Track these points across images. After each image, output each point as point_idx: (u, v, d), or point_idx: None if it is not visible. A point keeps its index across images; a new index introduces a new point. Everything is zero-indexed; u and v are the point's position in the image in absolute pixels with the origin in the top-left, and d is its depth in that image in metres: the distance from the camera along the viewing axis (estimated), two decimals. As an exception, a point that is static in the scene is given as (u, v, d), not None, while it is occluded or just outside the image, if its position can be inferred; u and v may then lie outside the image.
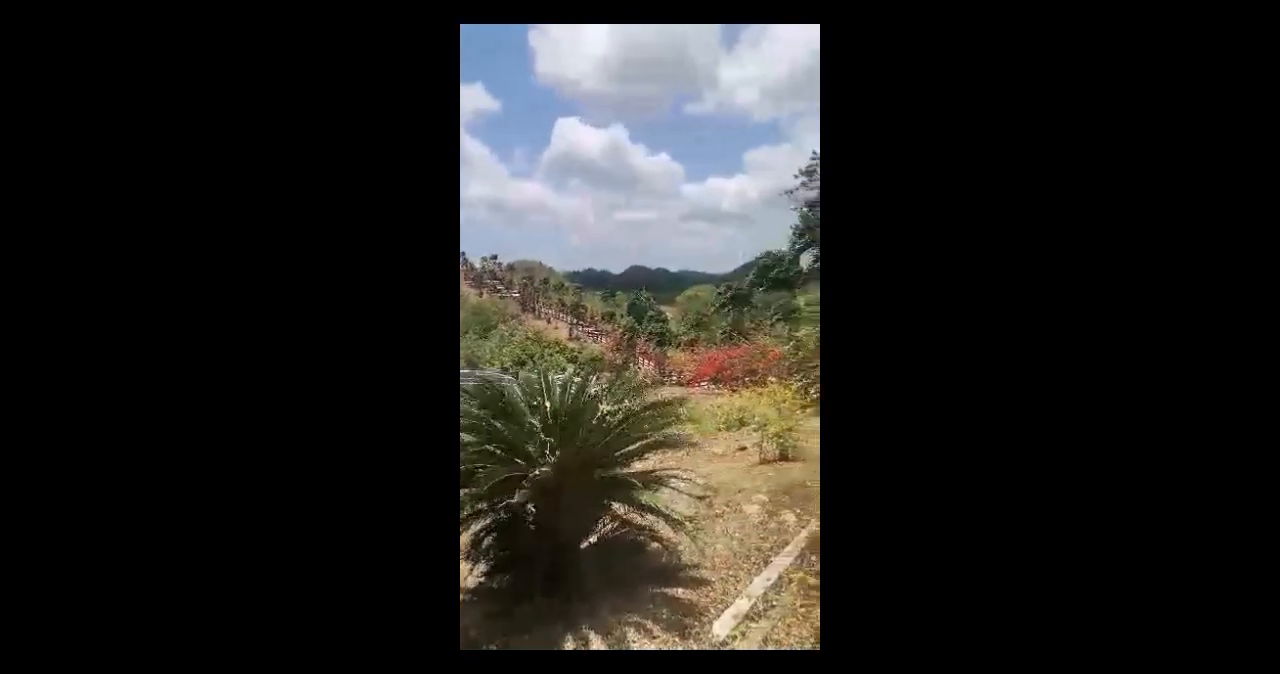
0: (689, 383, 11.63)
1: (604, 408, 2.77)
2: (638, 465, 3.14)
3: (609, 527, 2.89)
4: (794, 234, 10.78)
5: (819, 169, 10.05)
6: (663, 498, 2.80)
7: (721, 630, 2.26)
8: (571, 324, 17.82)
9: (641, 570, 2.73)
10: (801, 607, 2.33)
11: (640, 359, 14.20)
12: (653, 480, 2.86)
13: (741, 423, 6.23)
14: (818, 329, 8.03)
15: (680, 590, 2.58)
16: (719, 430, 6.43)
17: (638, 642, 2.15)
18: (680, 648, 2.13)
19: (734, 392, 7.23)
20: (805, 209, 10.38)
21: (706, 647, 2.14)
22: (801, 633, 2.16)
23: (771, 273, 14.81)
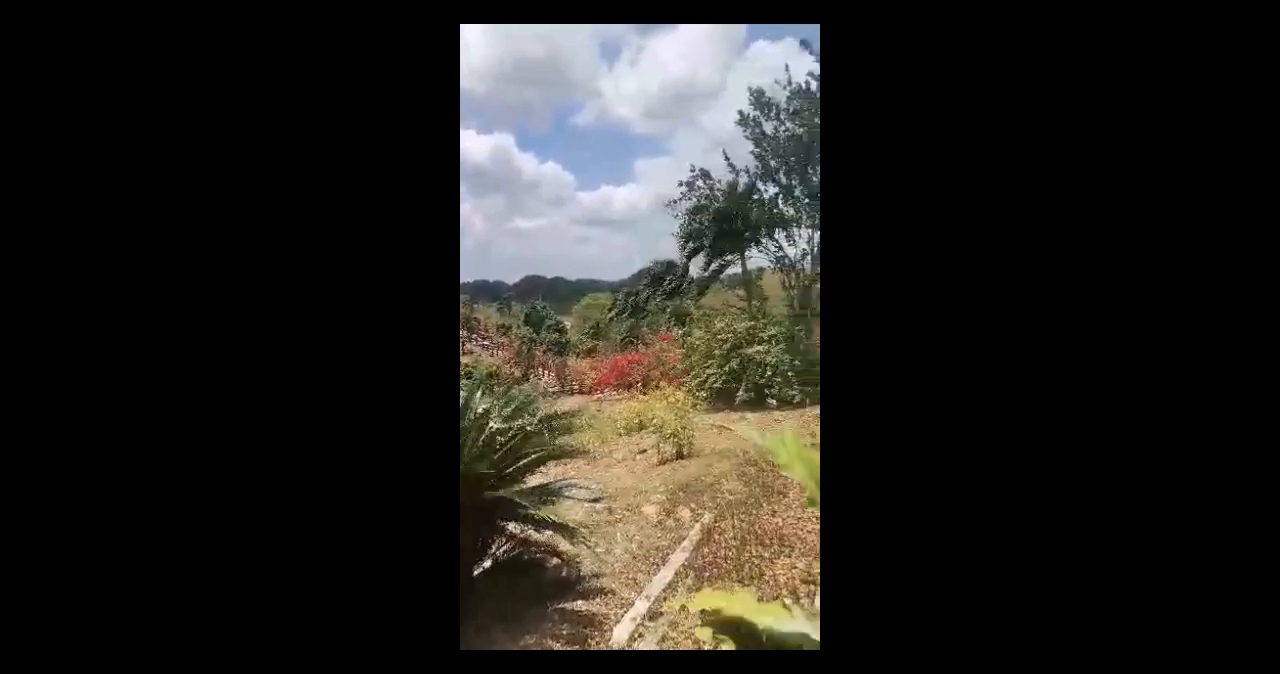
0: (590, 391, 11.63)
1: (494, 425, 2.68)
2: (534, 480, 3.08)
3: (503, 549, 2.79)
4: (679, 241, 11.28)
5: (697, 181, 10.65)
6: (560, 510, 2.77)
7: (622, 634, 2.29)
8: (464, 338, 16.92)
9: (540, 589, 2.67)
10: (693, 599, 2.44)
11: (539, 370, 13.91)
12: (549, 495, 2.82)
13: (640, 427, 6.37)
14: (708, 332, 8.50)
15: (580, 603, 2.57)
16: (619, 436, 6.51)
17: (537, 662, 2.10)
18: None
19: (634, 397, 7.37)
20: (688, 217, 10.91)
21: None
22: (691, 624, 2.25)
23: (665, 280, 15.38)
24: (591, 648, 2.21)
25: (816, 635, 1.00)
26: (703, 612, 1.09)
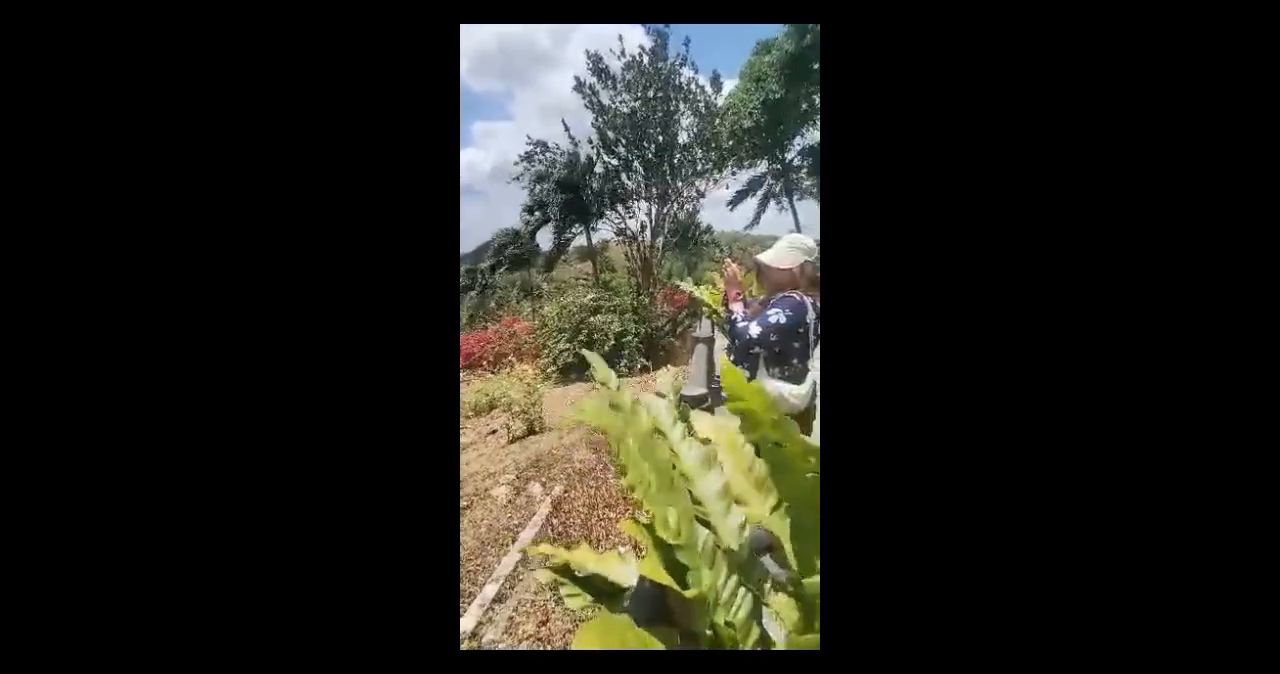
0: (435, 374, 10.76)
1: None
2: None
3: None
4: (524, 211, 10.86)
5: (536, 153, 10.27)
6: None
7: (469, 623, 2.21)
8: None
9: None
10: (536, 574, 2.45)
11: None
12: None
13: (491, 407, 6.13)
14: (558, 306, 8.43)
15: (422, 599, 2.41)
16: (467, 417, 6.18)
17: None
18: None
19: (482, 378, 7.02)
20: (534, 185, 10.52)
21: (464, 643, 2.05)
22: (543, 598, 2.27)
23: (508, 251, 14.73)
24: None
25: (634, 581, 1.07)
26: (545, 557, 1.13)
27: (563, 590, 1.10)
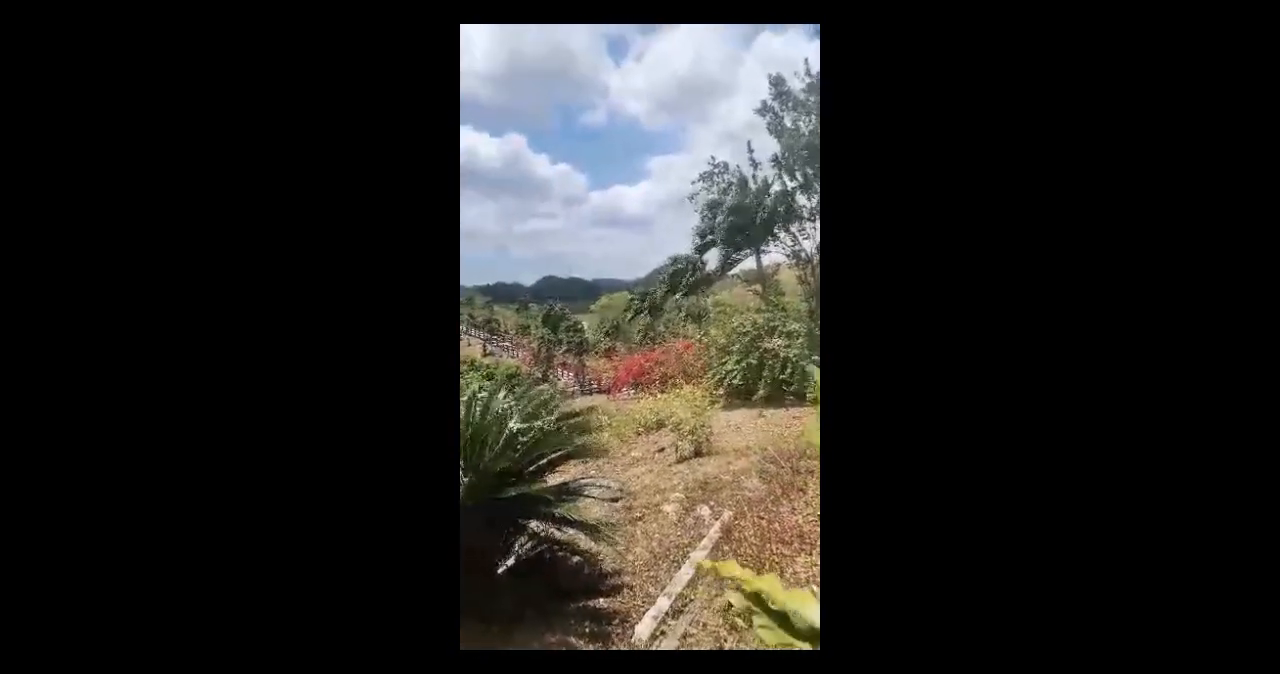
0: (609, 390, 11.67)
1: (513, 425, 2.71)
2: (554, 479, 3.11)
3: (526, 546, 2.82)
4: (695, 235, 11.23)
5: (715, 174, 10.59)
6: (581, 509, 2.79)
7: (644, 632, 2.30)
8: (485, 340, 17.15)
9: (563, 586, 2.70)
10: (716, 596, 2.43)
11: (559, 370, 14.00)
12: (569, 493, 2.85)
13: (659, 425, 6.37)
14: (724, 328, 8.46)
15: (602, 601, 2.59)
16: (638, 434, 6.52)
17: (560, 658, 2.12)
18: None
19: (653, 395, 7.37)
20: (705, 211, 10.86)
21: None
22: (715, 622, 2.25)
23: (682, 277, 15.37)
24: (615, 645, 2.23)
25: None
26: (731, 579, 1.12)
27: (756, 621, 1.08)
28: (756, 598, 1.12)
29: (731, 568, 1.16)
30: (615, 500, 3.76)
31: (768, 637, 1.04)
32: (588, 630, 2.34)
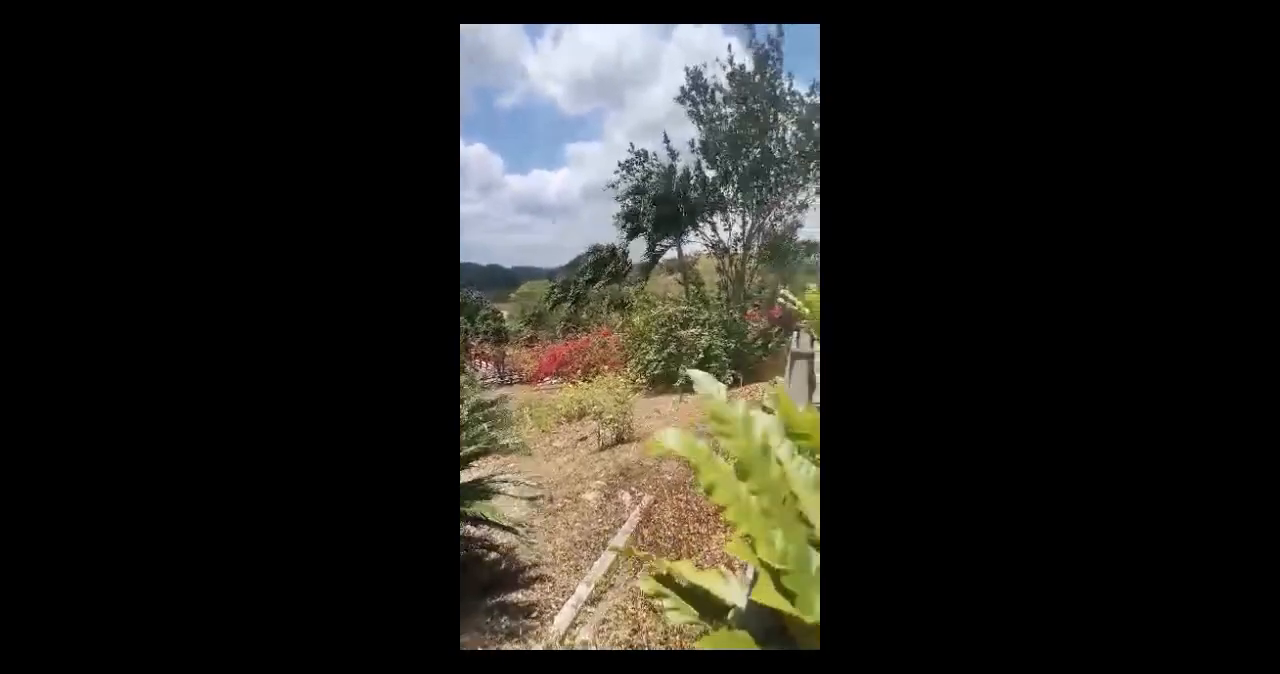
0: (531, 380, 11.41)
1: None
2: (467, 476, 2.98)
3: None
4: (618, 224, 11.18)
5: (635, 163, 10.58)
6: (496, 505, 2.70)
7: (563, 622, 2.28)
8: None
9: (477, 584, 2.60)
10: (634, 581, 2.46)
11: (476, 361, 13.46)
12: (481, 491, 2.74)
13: (581, 414, 6.34)
14: (645, 316, 8.56)
15: (518, 594, 2.53)
16: (559, 423, 6.44)
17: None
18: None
19: (575, 384, 7.31)
20: (629, 198, 10.83)
21: (552, 642, 2.13)
22: (634, 607, 2.28)
23: (606, 265, 15.29)
24: (532, 637, 2.19)
25: (744, 604, 1.04)
26: (647, 567, 1.13)
27: (665, 603, 1.10)
28: (666, 579, 1.13)
29: (643, 555, 1.17)
30: (533, 499, 3.68)
31: (674, 617, 1.06)
32: (504, 626, 2.28)
